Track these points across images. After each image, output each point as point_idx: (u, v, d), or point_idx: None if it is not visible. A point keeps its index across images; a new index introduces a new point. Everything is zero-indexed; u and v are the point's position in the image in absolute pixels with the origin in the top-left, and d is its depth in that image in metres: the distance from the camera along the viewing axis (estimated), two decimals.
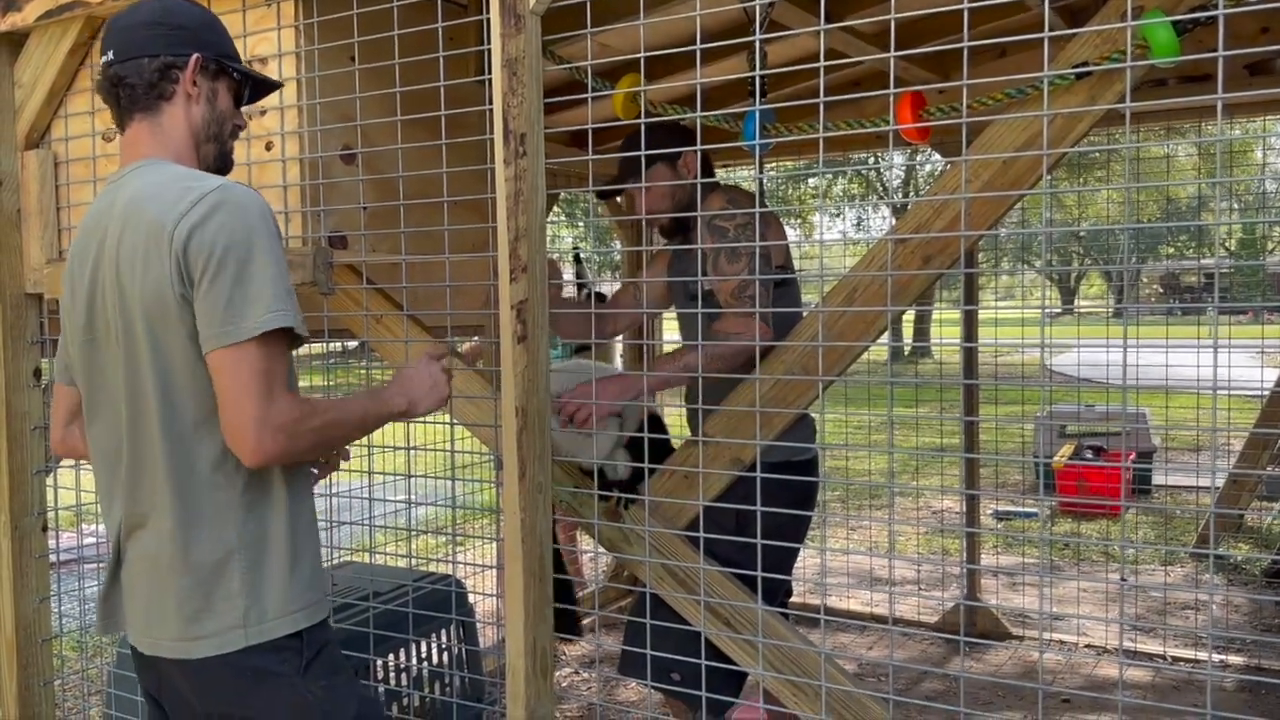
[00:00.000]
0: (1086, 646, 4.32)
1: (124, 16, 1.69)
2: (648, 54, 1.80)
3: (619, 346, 4.91)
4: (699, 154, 2.48)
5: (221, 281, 1.47)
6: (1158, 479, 7.58)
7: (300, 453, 1.53)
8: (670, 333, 5.27)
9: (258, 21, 2.12)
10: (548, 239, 1.86)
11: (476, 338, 4.22)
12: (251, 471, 1.56)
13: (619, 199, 4.87)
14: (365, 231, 2.16)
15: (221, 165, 1.75)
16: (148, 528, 1.59)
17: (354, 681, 1.70)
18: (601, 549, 2.29)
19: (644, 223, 2.47)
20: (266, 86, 1.84)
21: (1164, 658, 4.14)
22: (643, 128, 1.93)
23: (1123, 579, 3.78)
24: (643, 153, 1.94)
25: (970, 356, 4.54)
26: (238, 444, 1.48)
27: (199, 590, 1.56)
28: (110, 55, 1.65)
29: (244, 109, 1.81)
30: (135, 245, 1.52)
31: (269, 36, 2.11)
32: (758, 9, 2.43)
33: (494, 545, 4.90)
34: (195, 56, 1.65)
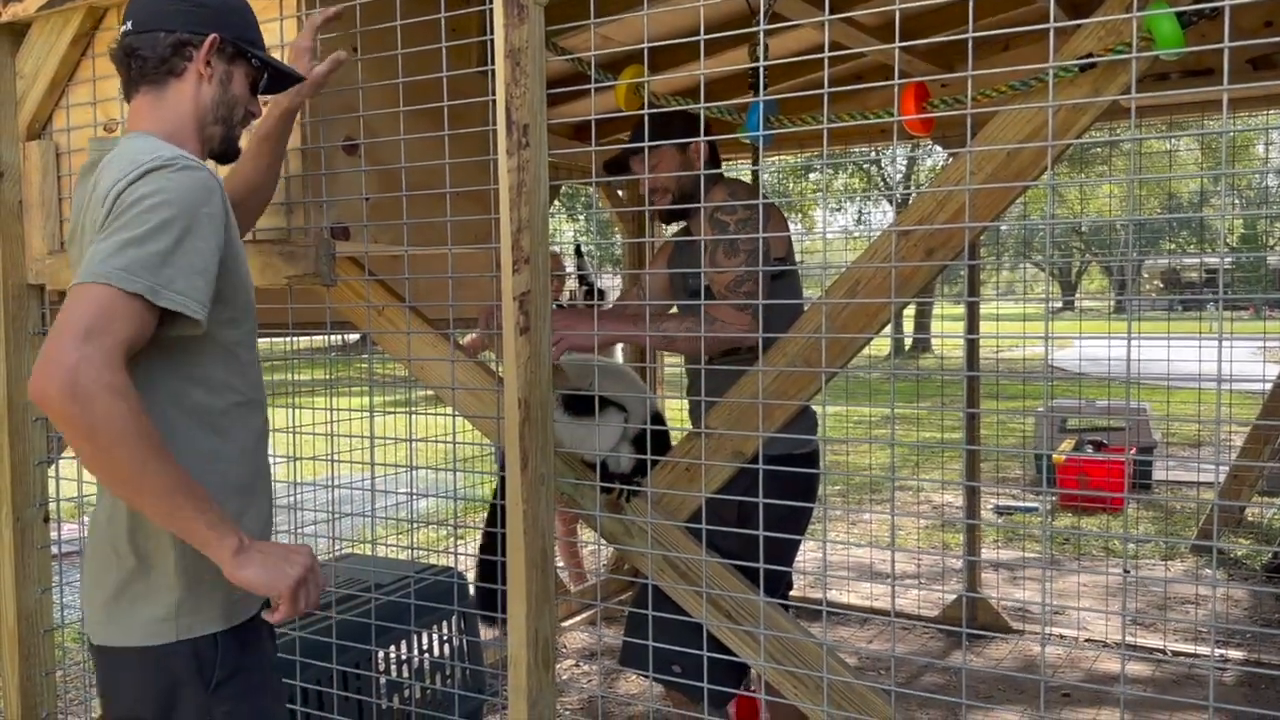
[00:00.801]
0: (1087, 641, 4.32)
1: None
2: (650, 45, 1.80)
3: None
4: (709, 144, 2.49)
5: (110, 227, 1.43)
6: (1158, 474, 7.58)
7: (80, 417, 1.31)
8: None
9: (260, 11, 2.10)
10: (549, 232, 1.86)
11: (479, 329, 4.21)
12: (201, 456, 1.54)
13: (620, 192, 4.86)
14: (367, 223, 2.15)
15: (226, 149, 1.73)
16: (102, 504, 1.59)
17: (264, 713, 1.63)
18: (603, 541, 2.29)
19: (646, 210, 2.46)
20: (289, 78, 1.80)
21: (1164, 652, 4.14)
22: (646, 116, 1.92)
23: (1125, 571, 3.78)
24: (648, 143, 1.93)
25: (972, 349, 4.54)
26: (35, 368, 1.35)
27: (137, 574, 1.54)
28: (129, 25, 1.63)
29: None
30: (94, 218, 1.52)
31: (271, 26, 2.10)
32: (761, 0, 2.42)
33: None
34: (212, 36, 1.63)
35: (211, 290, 1.47)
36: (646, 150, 2.34)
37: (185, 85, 1.63)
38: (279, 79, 1.79)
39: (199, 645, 1.56)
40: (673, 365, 4.14)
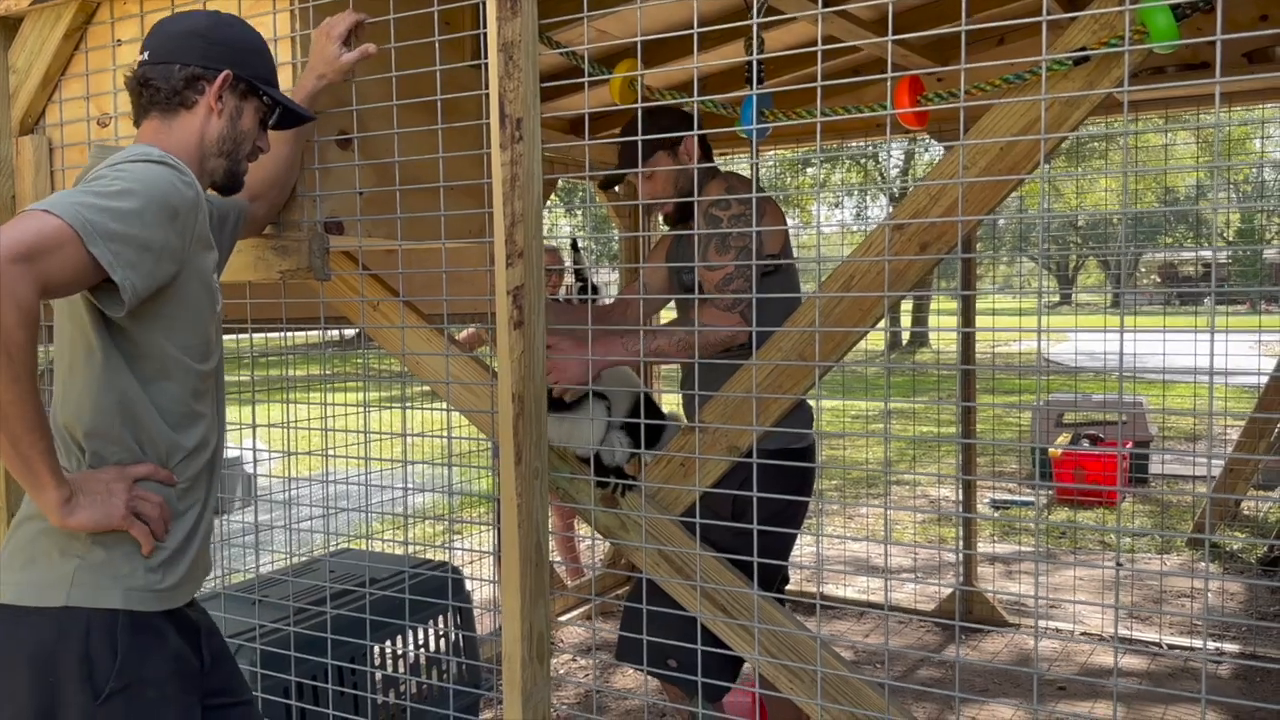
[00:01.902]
0: (1083, 634, 4.33)
1: (170, 22, 1.70)
2: (644, 39, 1.80)
3: None
4: (701, 139, 2.48)
5: (79, 185, 1.46)
6: (1154, 468, 7.60)
7: None
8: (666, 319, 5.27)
9: (253, 5, 2.11)
10: (546, 227, 1.86)
11: (475, 324, 4.22)
12: (132, 451, 1.55)
13: (617, 189, 4.86)
14: (361, 217, 2.15)
15: (230, 182, 1.74)
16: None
17: None
18: (599, 536, 2.29)
19: (643, 210, 2.46)
20: (299, 117, 1.82)
21: (1159, 645, 4.15)
22: (639, 114, 1.92)
23: (1119, 563, 3.80)
24: (639, 138, 1.93)
25: (967, 342, 4.54)
26: None
27: (44, 540, 1.53)
28: (146, 56, 1.66)
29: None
30: None
31: (264, 21, 2.10)
32: None
33: (491, 532, 4.91)
34: (225, 73, 1.66)
35: (148, 278, 1.45)
36: (640, 153, 2.32)
37: (194, 117, 1.66)
38: (290, 115, 1.80)
39: (92, 625, 1.49)
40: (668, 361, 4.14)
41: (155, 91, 1.64)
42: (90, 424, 1.54)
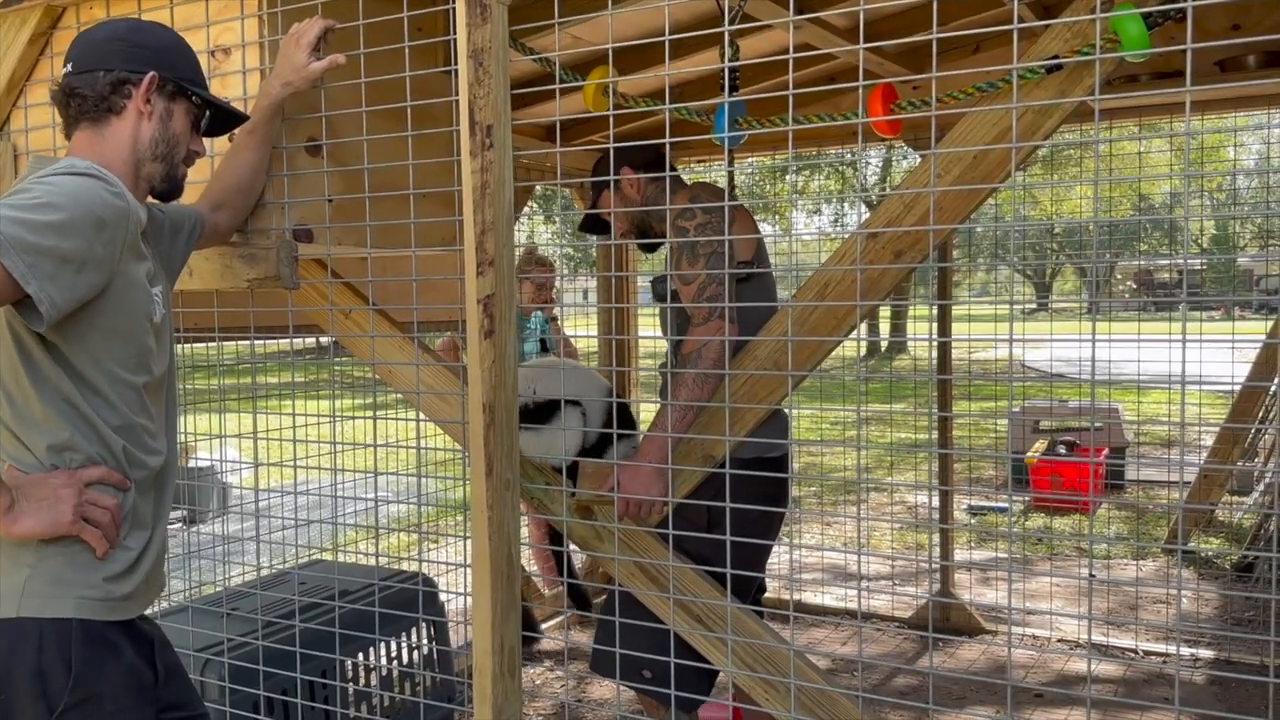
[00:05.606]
0: (1059, 641, 4.34)
1: (90, 32, 1.69)
2: (618, 45, 1.78)
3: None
4: (648, 163, 2.49)
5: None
6: (1130, 473, 7.64)
7: None
8: (645, 328, 5.26)
9: (220, 11, 2.08)
10: (526, 234, 1.84)
11: (449, 332, 4.19)
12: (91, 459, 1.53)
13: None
14: (331, 225, 2.12)
15: (169, 188, 1.72)
16: None
17: None
18: (574, 546, 2.27)
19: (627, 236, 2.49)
20: (234, 119, 1.81)
21: (1135, 652, 4.16)
22: (611, 151, 1.91)
23: (1091, 574, 3.81)
24: (590, 179, 1.92)
25: (944, 351, 4.55)
26: None
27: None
28: (69, 67, 1.65)
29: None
30: None
31: (232, 26, 2.07)
32: (727, 1, 2.41)
33: (465, 543, 4.87)
34: (151, 74, 1.64)
35: (68, 290, 1.42)
36: (594, 202, 2.34)
37: (125, 123, 1.64)
38: (222, 120, 1.79)
39: (44, 637, 1.47)
40: (647, 370, 4.12)
41: (83, 100, 1.62)
42: (45, 439, 1.52)
